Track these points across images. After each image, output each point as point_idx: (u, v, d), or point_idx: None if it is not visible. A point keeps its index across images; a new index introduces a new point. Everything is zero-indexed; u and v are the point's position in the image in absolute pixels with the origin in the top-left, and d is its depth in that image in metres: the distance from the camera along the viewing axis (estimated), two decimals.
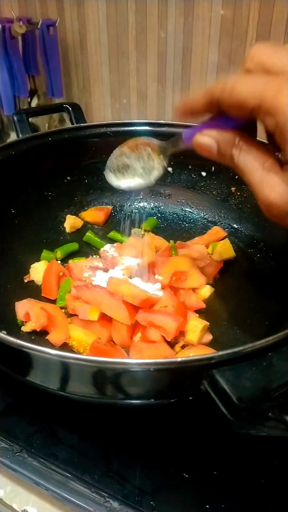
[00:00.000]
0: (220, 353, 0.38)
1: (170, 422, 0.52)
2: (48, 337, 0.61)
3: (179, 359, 0.39)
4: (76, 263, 0.72)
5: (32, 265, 0.73)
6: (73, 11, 1.15)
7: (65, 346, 0.60)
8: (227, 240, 0.76)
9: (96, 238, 0.81)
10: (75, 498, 0.45)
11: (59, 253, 0.77)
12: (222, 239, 0.77)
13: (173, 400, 0.44)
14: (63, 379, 0.44)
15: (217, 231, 0.79)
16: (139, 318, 0.60)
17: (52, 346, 0.60)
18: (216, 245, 0.76)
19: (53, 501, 0.48)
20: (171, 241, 0.79)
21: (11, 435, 0.51)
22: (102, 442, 0.50)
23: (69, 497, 0.45)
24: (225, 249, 0.74)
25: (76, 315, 0.64)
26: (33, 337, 0.62)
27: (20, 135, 0.83)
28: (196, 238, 0.80)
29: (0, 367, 0.50)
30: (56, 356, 0.40)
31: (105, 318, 0.61)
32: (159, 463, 0.48)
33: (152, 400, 0.43)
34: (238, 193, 0.80)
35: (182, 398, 0.43)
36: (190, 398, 0.43)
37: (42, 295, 0.69)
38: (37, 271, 0.71)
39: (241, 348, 0.38)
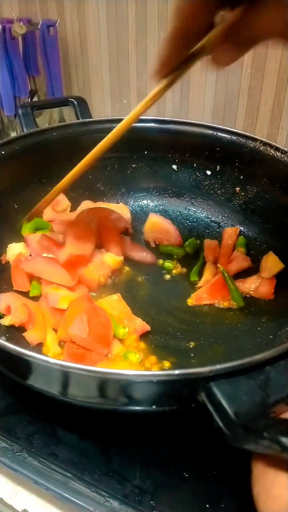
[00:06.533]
0: (218, 366, 0.38)
1: (170, 422, 0.52)
2: (24, 334, 0.60)
3: (176, 372, 0.38)
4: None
5: (9, 245, 0.71)
6: (73, 12, 1.15)
7: (40, 346, 0.59)
8: (271, 253, 0.71)
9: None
10: (75, 498, 0.45)
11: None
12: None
13: (174, 407, 0.44)
14: (63, 387, 0.44)
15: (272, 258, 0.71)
16: None
17: (27, 343, 0.59)
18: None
19: (53, 500, 0.48)
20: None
21: (11, 435, 0.51)
22: (102, 442, 0.50)
23: (69, 497, 0.45)
24: (273, 263, 0.69)
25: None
26: (8, 333, 0.60)
27: (25, 130, 0.82)
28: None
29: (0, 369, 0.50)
30: (57, 365, 0.40)
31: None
32: (159, 462, 0.48)
33: (154, 407, 0.43)
34: (243, 194, 0.79)
35: (184, 406, 0.43)
36: (192, 405, 0.43)
37: (14, 288, 0.67)
38: (14, 252, 0.70)
39: (239, 362, 0.38)
